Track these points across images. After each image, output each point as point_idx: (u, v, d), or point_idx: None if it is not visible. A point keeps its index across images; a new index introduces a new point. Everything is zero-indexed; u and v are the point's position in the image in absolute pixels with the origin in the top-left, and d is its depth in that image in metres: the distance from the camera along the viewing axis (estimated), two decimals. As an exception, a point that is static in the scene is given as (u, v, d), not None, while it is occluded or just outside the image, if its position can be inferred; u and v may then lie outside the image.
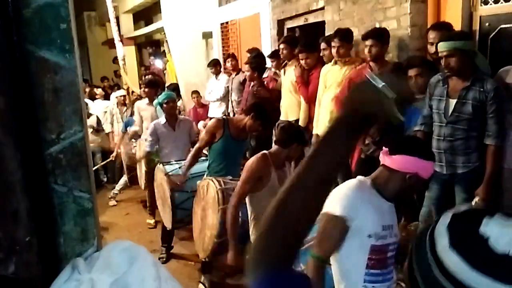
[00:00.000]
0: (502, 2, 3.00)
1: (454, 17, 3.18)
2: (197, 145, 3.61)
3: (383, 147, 1.84)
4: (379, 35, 3.31)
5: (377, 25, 3.62)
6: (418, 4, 3.34)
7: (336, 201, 1.70)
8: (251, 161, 2.65)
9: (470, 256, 0.60)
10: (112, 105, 6.70)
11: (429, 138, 2.79)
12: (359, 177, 1.83)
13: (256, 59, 4.96)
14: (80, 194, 1.06)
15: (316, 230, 1.82)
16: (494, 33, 3.03)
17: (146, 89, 5.17)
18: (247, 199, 2.70)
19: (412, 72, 3.00)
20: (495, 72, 2.72)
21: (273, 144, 2.77)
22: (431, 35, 3.06)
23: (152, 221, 5.10)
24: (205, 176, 3.52)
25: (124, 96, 6.69)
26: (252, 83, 4.87)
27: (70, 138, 1.03)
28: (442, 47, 2.57)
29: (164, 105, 4.23)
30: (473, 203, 2.64)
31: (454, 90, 2.64)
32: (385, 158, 1.79)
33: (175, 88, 7.02)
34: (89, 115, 6.63)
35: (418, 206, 3.02)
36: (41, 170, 1.01)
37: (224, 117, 4.03)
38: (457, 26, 3.10)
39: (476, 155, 2.64)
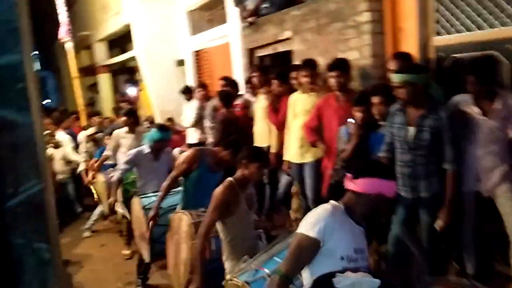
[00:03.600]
0: (454, 33, 3.19)
1: (410, 47, 3.37)
2: (172, 174, 3.57)
3: (347, 173, 1.94)
4: (343, 66, 3.46)
5: (340, 55, 3.78)
6: (377, 35, 3.52)
7: (311, 223, 1.80)
8: (218, 190, 2.66)
9: None
10: (85, 143, 6.56)
11: (393, 164, 2.91)
12: (332, 202, 1.93)
13: (223, 91, 5.10)
14: (39, 245, 1.09)
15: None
16: (447, 62, 3.22)
17: (127, 119, 5.20)
18: (219, 227, 2.70)
19: (375, 100, 3.11)
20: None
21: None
22: (391, 64, 3.22)
23: (128, 252, 5.03)
24: (178, 208, 3.52)
25: (96, 133, 6.60)
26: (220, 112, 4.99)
27: (28, 191, 1.06)
28: (394, 78, 2.73)
29: (157, 143, 4.21)
30: (436, 225, 2.75)
31: (412, 118, 2.77)
32: (349, 183, 1.90)
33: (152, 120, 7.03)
34: (59, 146, 6.52)
35: (387, 229, 3.11)
36: (0, 223, 1.04)
37: (201, 148, 4.06)
38: (414, 55, 3.27)
39: (436, 179, 2.76)
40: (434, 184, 2.77)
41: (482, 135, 2.62)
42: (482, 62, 2.65)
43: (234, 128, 4.71)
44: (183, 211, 3.23)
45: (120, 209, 4.54)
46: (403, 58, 3.13)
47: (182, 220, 3.09)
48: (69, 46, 7.80)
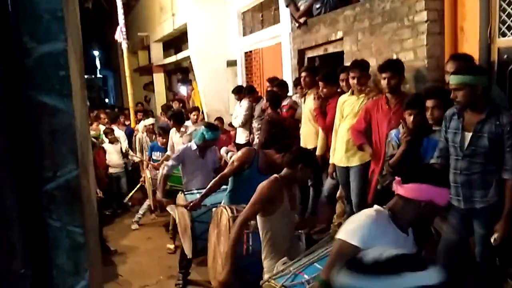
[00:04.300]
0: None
1: (472, 48, 3.15)
2: (225, 172, 3.55)
3: (396, 177, 1.84)
4: (396, 67, 3.31)
5: (394, 56, 3.62)
6: (435, 36, 3.33)
7: (352, 230, 1.71)
8: (263, 184, 2.65)
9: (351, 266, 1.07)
10: (141, 133, 6.90)
11: (446, 171, 2.73)
12: (377, 207, 1.83)
13: (270, 91, 5.12)
14: (73, 229, 1.11)
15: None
16: (512, 65, 2.97)
17: (172, 122, 5.55)
18: (260, 223, 2.68)
19: (429, 103, 2.94)
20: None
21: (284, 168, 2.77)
22: (449, 66, 3.03)
23: (172, 246, 5.15)
24: (221, 203, 3.53)
25: (153, 124, 6.91)
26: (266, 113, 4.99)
27: (65, 176, 1.08)
28: (451, 80, 2.55)
29: (207, 142, 4.31)
30: (492, 239, 2.54)
31: (469, 123, 2.58)
32: (398, 188, 1.79)
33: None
34: (114, 140, 6.85)
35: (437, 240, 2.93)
36: (37, 205, 1.07)
37: (255, 148, 4.04)
38: (475, 57, 3.06)
39: (494, 189, 2.55)
40: (491, 194, 2.56)
41: (548, 144, 2.38)
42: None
43: (280, 129, 4.68)
44: (224, 205, 3.24)
45: (169, 209, 4.67)
46: (462, 60, 2.93)
47: (223, 214, 3.10)
48: (124, 47, 8.19)
